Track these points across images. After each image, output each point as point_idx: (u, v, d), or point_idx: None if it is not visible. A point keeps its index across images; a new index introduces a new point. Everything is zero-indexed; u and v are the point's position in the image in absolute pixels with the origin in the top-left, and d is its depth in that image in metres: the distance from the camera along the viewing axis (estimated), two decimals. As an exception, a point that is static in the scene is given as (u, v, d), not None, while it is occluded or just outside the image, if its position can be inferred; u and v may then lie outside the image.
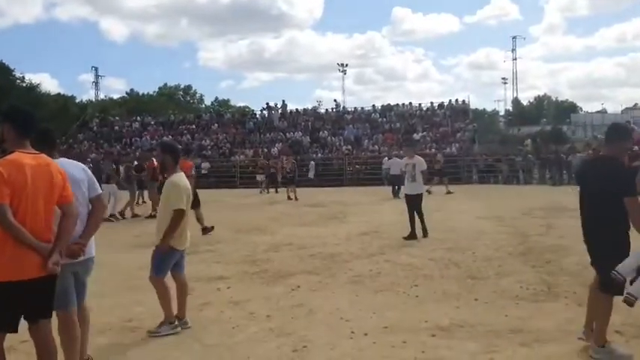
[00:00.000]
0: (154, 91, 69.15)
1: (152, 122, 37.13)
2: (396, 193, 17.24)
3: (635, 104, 74.39)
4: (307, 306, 5.38)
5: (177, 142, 31.09)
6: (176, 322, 4.72)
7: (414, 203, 9.44)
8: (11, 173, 2.92)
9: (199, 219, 10.40)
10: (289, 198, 18.33)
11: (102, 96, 58.93)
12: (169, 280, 4.86)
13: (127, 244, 9.52)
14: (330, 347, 4.25)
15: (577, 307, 5.15)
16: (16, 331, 3.06)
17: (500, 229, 10.42)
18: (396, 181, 17.44)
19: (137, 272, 6.62)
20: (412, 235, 9.19)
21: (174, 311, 4.77)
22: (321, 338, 4.43)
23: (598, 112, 71.02)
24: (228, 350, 4.28)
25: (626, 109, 72.04)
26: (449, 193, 19.22)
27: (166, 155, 4.87)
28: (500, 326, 4.62)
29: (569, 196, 16.85)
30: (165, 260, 4.71)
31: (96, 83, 55.80)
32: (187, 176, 11.15)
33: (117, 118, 40.29)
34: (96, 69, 55.76)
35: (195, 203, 10.04)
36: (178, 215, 4.60)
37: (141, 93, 66.99)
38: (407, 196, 9.68)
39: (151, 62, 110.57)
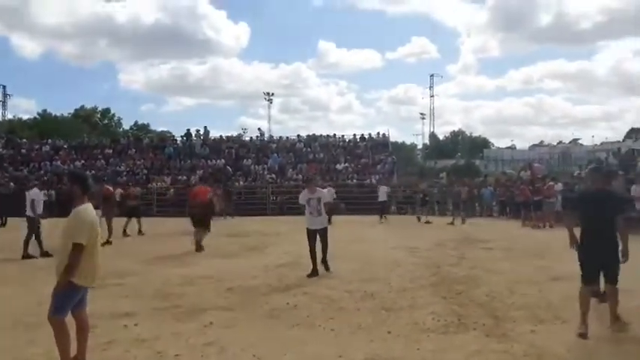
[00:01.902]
0: (69, 113, 65.96)
1: (64, 146, 35.16)
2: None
3: (541, 141, 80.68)
4: (219, 343, 5.19)
5: (92, 168, 29.80)
6: None
7: (320, 237, 8.93)
8: None
9: (200, 239, 12.27)
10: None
11: (9, 116, 55.42)
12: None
13: (25, 278, 8.84)
14: (241, 387, 4.11)
15: (485, 337, 5.35)
16: None
17: (415, 260, 10.71)
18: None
19: (35, 308, 6.13)
20: (314, 272, 8.80)
21: (73, 353, 4.42)
22: (232, 378, 4.28)
23: (508, 147, 76.34)
24: (131, 394, 4.03)
25: (533, 145, 77.95)
26: (462, 223, 19.74)
27: (75, 185, 4.61)
28: (412, 360, 4.68)
29: (480, 227, 17.81)
30: (68, 298, 4.39)
31: (3, 102, 52.46)
32: (206, 199, 12.99)
33: (24, 140, 37.80)
34: (4, 87, 52.48)
35: (202, 224, 12.43)
36: (78, 250, 4.32)
37: (54, 114, 63.58)
38: (310, 231, 8.96)
39: (67, 83, 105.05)
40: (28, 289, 7.68)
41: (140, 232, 16.48)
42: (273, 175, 30.67)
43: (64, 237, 4.44)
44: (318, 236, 8.92)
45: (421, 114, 67.42)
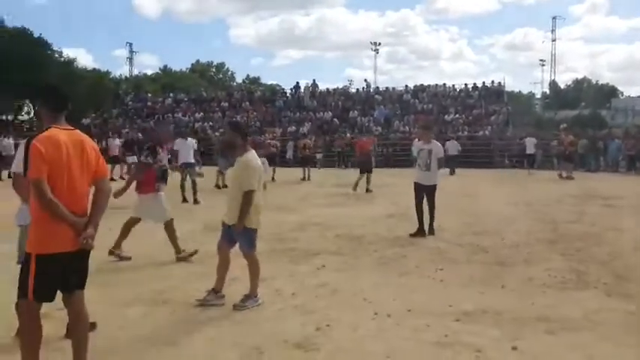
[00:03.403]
0: (187, 68, 69.86)
1: (185, 99, 37.57)
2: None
3: (679, 89, 71.58)
4: (331, 285, 5.45)
5: (210, 120, 31.33)
6: (259, 295, 4.92)
7: (427, 195, 8.16)
8: (48, 150, 3.00)
9: (358, 183, 14.30)
10: (303, 179, 18.42)
11: (136, 72, 59.89)
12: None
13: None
14: (353, 327, 4.30)
15: (605, 296, 5.09)
16: (52, 300, 3.19)
17: (531, 215, 10.27)
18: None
19: (164, 247, 6.77)
20: (420, 232, 8.05)
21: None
22: (344, 318, 4.49)
23: (640, 96, 68.53)
24: (254, 326, 4.38)
25: (670, 94, 69.29)
26: (569, 178, 18.56)
27: (236, 134, 4.92)
28: (526, 314, 4.58)
29: (603, 183, 16.50)
30: (253, 239, 4.96)
31: (130, 59, 56.70)
32: (368, 150, 15.37)
33: (149, 94, 40.87)
34: (130, 45, 56.65)
35: (369, 169, 14.59)
36: (250, 196, 4.68)
37: (173, 70, 67.71)
38: (418, 186, 8.24)
39: (183, 38, 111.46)
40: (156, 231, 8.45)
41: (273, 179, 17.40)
42: (379, 128, 30.44)
43: (235, 185, 4.82)
44: (425, 194, 8.22)
45: (541, 60, 62.63)
